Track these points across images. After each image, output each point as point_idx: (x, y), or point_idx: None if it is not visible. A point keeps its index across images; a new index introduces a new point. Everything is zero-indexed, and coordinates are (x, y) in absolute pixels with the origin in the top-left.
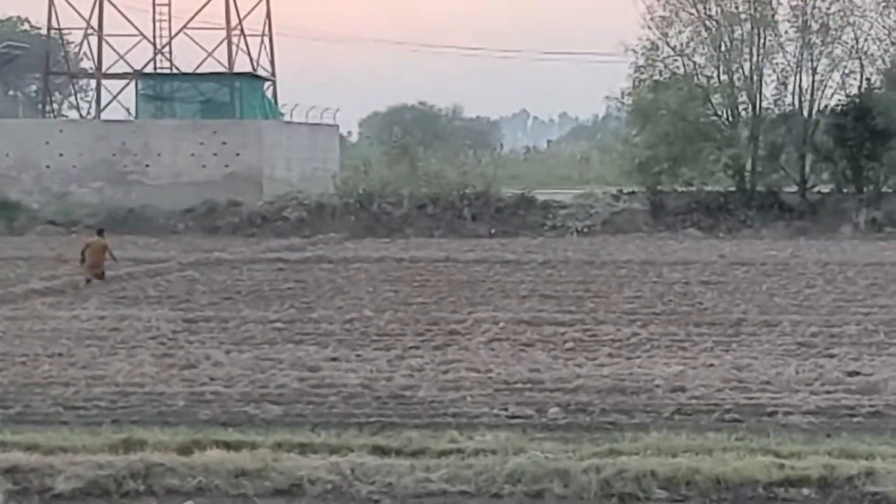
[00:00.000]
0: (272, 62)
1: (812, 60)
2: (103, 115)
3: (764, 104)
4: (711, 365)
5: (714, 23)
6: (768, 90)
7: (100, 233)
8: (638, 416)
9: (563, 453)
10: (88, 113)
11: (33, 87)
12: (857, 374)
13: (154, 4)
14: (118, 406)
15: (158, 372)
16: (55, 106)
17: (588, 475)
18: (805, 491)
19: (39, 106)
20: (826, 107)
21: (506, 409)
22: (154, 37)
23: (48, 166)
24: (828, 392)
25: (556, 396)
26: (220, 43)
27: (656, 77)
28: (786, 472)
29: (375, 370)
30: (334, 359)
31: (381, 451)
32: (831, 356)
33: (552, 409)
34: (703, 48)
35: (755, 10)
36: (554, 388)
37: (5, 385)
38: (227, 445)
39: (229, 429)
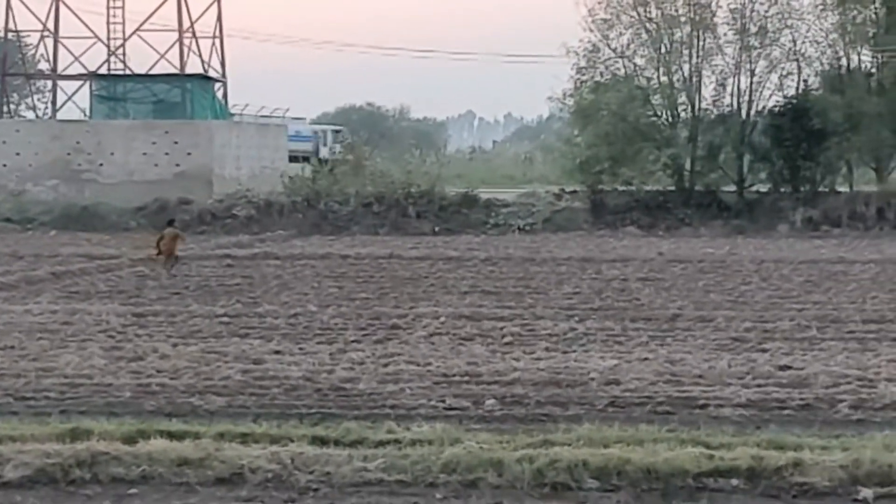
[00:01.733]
0: (223, 64)
1: (750, 62)
2: (59, 115)
3: (703, 105)
4: (646, 359)
5: (654, 25)
6: (707, 91)
7: (170, 223)
8: (572, 409)
9: (498, 444)
10: (45, 113)
11: None
12: (789, 368)
13: (108, 7)
14: (67, 397)
15: (107, 364)
16: (12, 106)
17: (521, 465)
18: (734, 481)
19: None
20: (764, 108)
21: (443, 402)
22: (108, 39)
23: (4, 165)
24: (759, 385)
25: (492, 389)
26: (173, 45)
27: (597, 78)
28: (715, 462)
29: (317, 363)
30: (278, 352)
31: (320, 441)
32: (764, 351)
33: (489, 401)
34: (644, 50)
35: (695, 13)
36: (491, 381)
37: None
38: (171, 435)
39: (173, 419)
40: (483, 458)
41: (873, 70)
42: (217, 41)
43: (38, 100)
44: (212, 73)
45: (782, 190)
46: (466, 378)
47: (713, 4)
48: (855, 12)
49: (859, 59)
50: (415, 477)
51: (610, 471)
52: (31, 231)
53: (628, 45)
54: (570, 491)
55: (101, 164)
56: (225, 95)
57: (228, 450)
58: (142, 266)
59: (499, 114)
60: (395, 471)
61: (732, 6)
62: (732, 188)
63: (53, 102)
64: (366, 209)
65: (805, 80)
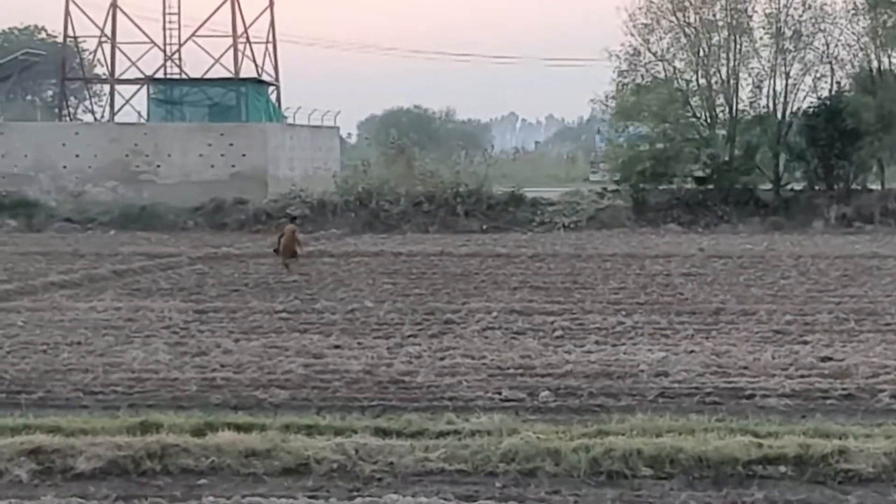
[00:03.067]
0: (276, 68)
1: (785, 65)
2: (116, 119)
3: (740, 106)
4: (692, 351)
5: (693, 30)
6: (744, 93)
7: (292, 220)
8: (624, 399)
9: (554, 434)
10: (102, 116)
11: (50, 93)
12: (830, 359)
13: (164, 13)
14: (134, 391)
15: (172, 359)
16: (71, 110)
17: (578, 454)
18: (782, 468)
19: (56, 110)
20: (798, 109)
21: (499, 393)
22: (164, 44)
23: (65, 167)
24: (802, 376)
25: (546, 381)
26: (227, 50)
27: (638, 81)
28: (764, 450)
29: (376, 357)
30: (337, 346)
31: (382, 432)
32: (805, 343)
33: (543, 393)
34: (683, 54)
35: (732, 17)
36: (544, 374)
37: (28, 371)
38: (238, 428)
39: (239, 412)
40: (540, 448)
41: None
42: (270, 46)
43: (96, 103)
44: (265, 77)
45: (817, 188)
46: (521, 371)
47: (749, 9)
48: (885, 16)
49: (890, 62)
50: (475, 466)
51: (663, 459)
52: (91, 231)
53: (668, 48)
54: (626, 479)
55: (158, 166)
56: (278, 98)
57: (294, 441)
58: (274, 263)
59: (541, 115)
60: (456, 460)
61: (768, 11)
62: (769, 186)
63: (111, 106)
64: (416, 208)
65: (838, 82)
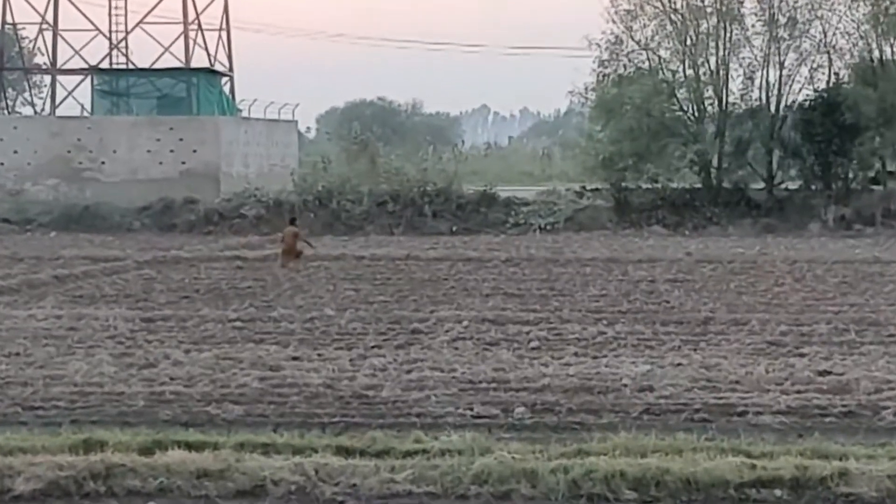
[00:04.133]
0: (230, 57)
1: (779, 54)
2: (58, 112)
3: (730, 99)
4: (680, 364)
5: (679, 16)
6: (735, 85)
7: (292, 221)
8: (606, 416)
9: (531, 454)
10: (43, 109)
11: None
12: (829, 373)
13: None
14: (77, 406)
15: (117, 371)
16: (9, 102)
17: (556, 476)
18: (777, 492)
19: None
20: (794, 102)
21: (471, 409)
22: (110, 32)
23: (2, 164)
24: (799, 392)
25: (522, 396)
26: (177, 38)
27: (620, 71)
28: (757, 472)
29: (337, 369)
30: (296, 358)
31: (345, 451)
32: (802, 355)
33: (518, 409)
34: (668, 42)
35: (721, 3)
36: (520, 388)
37: None
38: (189, 446)
39: (190, 429)
40: (516, 469)
41: None
42: (223, 34)
43: (37, 95)
44: (218, 67)
45: (813, 187)
46: (494, 385)
47: None
48: (888, 2)
49: (892, 51)
50: (445, 489)
51: (648, 481)
52: (30, 232)
53: (652, 36)
54: (608, 503)
55: (103, 163)
56: (232, 90)
57: (249, 461)
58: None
59: (514, 108)
60: (425, 482)
61: None
62: (761, 185)
63: (53, 98)
64: (380, 208)
65: (836, 73)
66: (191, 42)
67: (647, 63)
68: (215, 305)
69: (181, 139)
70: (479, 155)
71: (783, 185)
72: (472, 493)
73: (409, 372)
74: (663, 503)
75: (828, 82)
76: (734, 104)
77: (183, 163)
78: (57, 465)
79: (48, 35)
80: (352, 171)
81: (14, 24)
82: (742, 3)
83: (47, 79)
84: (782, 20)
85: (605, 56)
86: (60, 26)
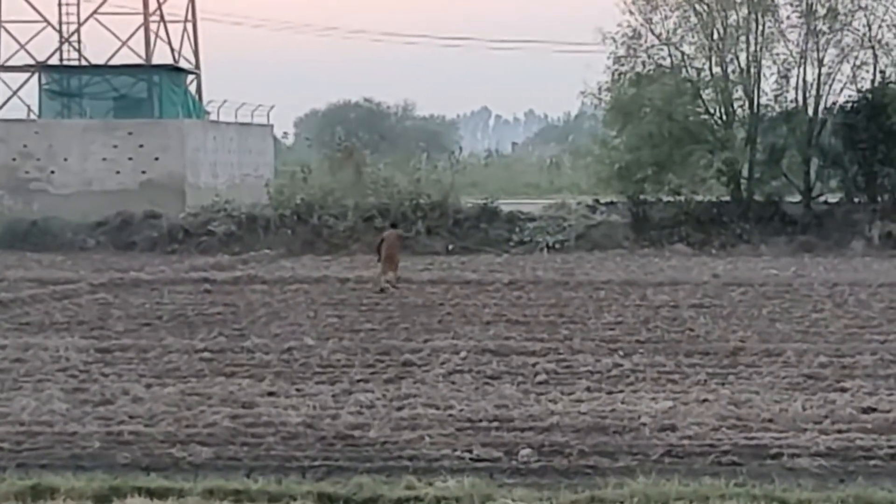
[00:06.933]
0: (196, 53)
1: (818, 50)
2: (1, 114)
3: (763, 101)
4: (705, 400)
5: (705, 7)
6: (767, 84)
7: (393, 225)
8: (622, 459)
9: (538, 501)
10: None
11: None
12: (874, 410)
13: None
14: (24, 448)
15: (70, 409)
16: None
17: None
18: None
19: None
20: (834, 104)
21: (470, 451)
22: (60, 24)
23: None
24: (840, 431)
25: (527, 436)
26: (137, 30)
27: (639, 69)
28: None
29: (319, 406)
30: (271, 393)
31: (327, 499)
32: (843, 390)
33: (523, 451)
34: (693, 36)
35: None
36: (525, 428)
37: None
38: (151, 493)
39: (152, 474)
40: None
41: None
42: (189, 26)
43: None
44: (183, 64)
45: (856, 200)
46: (496, 424)
47: None
48: None
49: None
50: None
51: None
52: None
53: (675, 30)
54: None
55: (52, 172)
56: (199, 90)
57: None
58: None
59: (519, 111)
60: None
61: None
62: (798, 198)
63: None
64: (366, 224)
65: (882, 72)
66: (152, 35)
67: (668, 60)
68: (180, 334)
69: (141, 145)
70: (478, 164)
71: (822, 198)
72: None
73: (399, 409)
74: None
75: (872, 82)
76: (767, 106)
77: (143, 172)
78: None
79: None
80: (335, 182)
81: None
82: None
83: None
84: (821, 11)
85: (622, 52)
86: (4, 18)
